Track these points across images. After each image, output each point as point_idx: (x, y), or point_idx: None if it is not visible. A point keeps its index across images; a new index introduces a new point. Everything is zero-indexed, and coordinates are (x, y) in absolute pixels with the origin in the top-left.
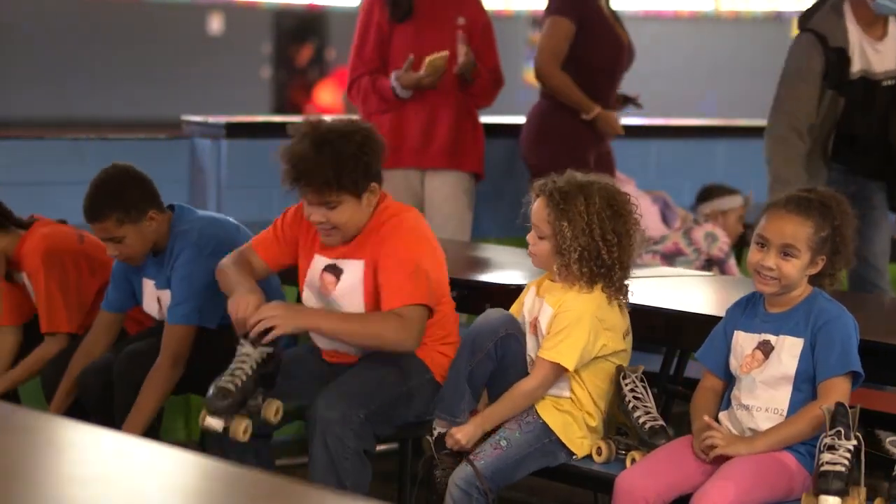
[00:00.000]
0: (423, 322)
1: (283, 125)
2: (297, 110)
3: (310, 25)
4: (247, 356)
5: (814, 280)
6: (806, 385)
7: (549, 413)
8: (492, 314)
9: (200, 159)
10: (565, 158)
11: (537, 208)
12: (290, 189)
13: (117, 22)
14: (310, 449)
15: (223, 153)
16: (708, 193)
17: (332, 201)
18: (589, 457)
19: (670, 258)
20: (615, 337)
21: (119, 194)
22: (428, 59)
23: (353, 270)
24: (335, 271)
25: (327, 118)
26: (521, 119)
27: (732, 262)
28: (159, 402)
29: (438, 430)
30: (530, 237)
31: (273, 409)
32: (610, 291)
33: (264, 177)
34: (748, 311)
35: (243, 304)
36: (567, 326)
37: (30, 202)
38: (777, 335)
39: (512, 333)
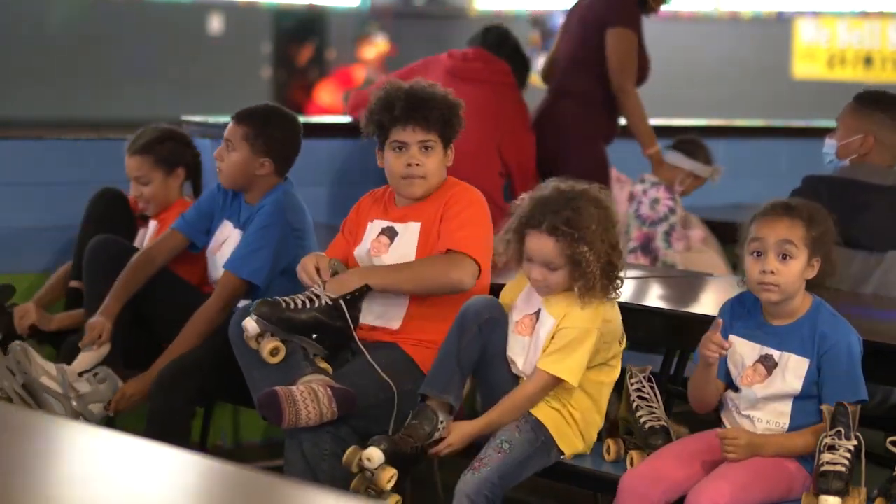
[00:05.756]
0: (473, 269)
1: None
2: (297, 110)
3: (310, 25)
4: (316, 296)
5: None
6: (810, 401)
7: (540, 409)
8: (478, 299)
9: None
10: (592, 156)
11: (546, 247)
12: (373, 135)
13: (117, 22)
14: (285, 452)
15: None
16: (675, 144)
17: (431, 140)
18: (590, 455)
19: (645, 248)
20: (611, 346)
21: (269, 123)
22: None
23: (408, 233)
24: (390, 234)
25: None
26: None
27: (679, 216)
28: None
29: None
30: (537, 272)
31: (270, 348)
32: (614, 291)
33: None
34: (746, 317)
35: (303, 267)
36: (573, 341)
37: (30, 202)
38: (780, 351)
39: (495, 317)
